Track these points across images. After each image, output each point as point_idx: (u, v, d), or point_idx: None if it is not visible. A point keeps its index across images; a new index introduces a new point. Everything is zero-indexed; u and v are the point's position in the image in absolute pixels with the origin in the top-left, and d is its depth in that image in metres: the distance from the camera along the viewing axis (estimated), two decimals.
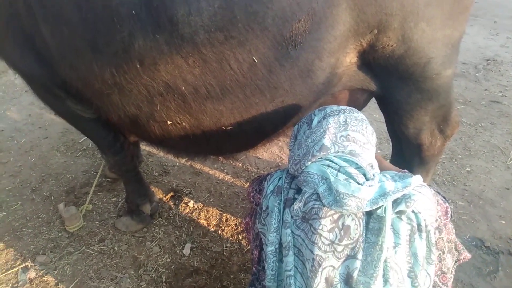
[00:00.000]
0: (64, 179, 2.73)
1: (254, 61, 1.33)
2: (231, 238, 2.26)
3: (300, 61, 1.38)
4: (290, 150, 1.41)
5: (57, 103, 1.78)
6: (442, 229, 1.35)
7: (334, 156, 1.17)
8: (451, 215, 1.36)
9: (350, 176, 1.12)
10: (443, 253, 1.35)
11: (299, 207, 1.17)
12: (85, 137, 2.89)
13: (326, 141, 1.20)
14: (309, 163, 1.19)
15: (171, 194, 2.58)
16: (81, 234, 2.28)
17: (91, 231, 2.31)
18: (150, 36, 1.25)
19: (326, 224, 1.11)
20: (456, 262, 1.43)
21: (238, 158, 2.92)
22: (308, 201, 1.16)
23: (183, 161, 2.90)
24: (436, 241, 1.33)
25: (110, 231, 2.31)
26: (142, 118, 1.54)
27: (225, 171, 2.83)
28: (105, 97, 1.51)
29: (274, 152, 3.07)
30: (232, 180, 2.75)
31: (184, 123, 1.51)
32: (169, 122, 1.52)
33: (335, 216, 1.12)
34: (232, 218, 2.40)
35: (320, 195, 1.13)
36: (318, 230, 1.11)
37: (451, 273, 1.39)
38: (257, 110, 1.50)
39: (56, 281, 2.02)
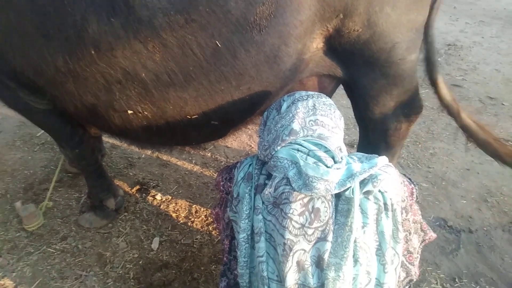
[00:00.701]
0: (21, 176, 2.57)
1: (218, 45, 1.28)
2: (201, 230, 2.22)
3: (266, 46, 1.34)
4: (259, 136, 1.40)
5: (8, 94, 1.65)
6: (408, 210, 1.38)
7: (303, 140, 1.17)
8: (417, 196, 1.39)
9: (319, 159, 1.12)
10: (409, 233, 1.38)
11: (270, 192, 1.16)
12: (43, 130, 2.74)
13: (295, 126, 1.19)
14: (279, 147, 1.19)
15: (137, 187, 2.50)
16: (41, 233, 2.16)
17: (52, 229, 2.19)
18: (105, 20, 1.17)
19: (296, 208, 1.11)
20: (422, 242, 1.46)
21: (207, 148, 2.86)
22: (278, 186, 1.15)
23: (149, 152, 2.81)
24: (402, 222, 1.36)
25: (73, 228, 2.20)
26: (100, 107, 1.45)
27: (193, 161, 2.77)
28: (60, 86, 1.42)
29: (243, 140, 3.03)
30: (201, 170, 2.69)
31: (146, 113, 1.44)
32: (129, 112, 1.44)
33: (305, 200, 1.12)
34: (202, 209, 2.35)
35: (290, 179, 1.12)
36: (289, 214, 1.11)
37: (417, 253, 1.42)
38: (223, 98, 1.45)
39: (14, 284, 1.90)
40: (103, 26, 1.18)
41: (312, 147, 1.14)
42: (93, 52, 1.23)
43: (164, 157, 2.78)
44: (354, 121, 3.24)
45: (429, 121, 3.37)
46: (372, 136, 2.01)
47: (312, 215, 1.10)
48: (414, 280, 1.38)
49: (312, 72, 1.64)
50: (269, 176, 1.23)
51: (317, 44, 1.50)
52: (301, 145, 1.16)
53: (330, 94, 1.95)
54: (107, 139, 2.89)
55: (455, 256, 2.14)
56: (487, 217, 2.41)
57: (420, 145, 3.06)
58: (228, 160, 2.80)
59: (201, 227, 2.24)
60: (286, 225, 1.11)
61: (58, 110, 1.65)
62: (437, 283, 1.99)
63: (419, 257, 1.44)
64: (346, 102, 3.52)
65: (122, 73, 1.31)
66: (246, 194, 1.23)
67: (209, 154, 2.84)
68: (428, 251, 2.16)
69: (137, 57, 1.26)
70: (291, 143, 1.18)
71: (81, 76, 1.32)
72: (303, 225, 1.10)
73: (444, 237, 2.27)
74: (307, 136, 1.18)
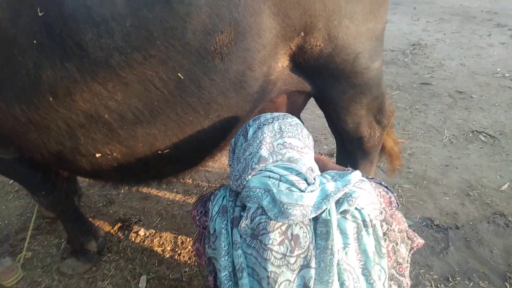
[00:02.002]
0: None
1: (181, 78, 1.26)
2: (189, 262, 2.15)
3: (231, 73, 1.34)
4: (230, 165, 1.37)
5: None
6: (390, 221, 1.37)
7: (273, 166, 1.15)
8: (396, 204, 1.38)
9: (291, 184, 1.10)
10: (396, 244, 1.36)
11: (246, 224, 1.13)
12: None
13: (263, 152, 1.17)
14: (250, 177, 1.16)
15: (119, 225, 2.42)
16: (21, 287, 2.06)
17: (33, 281, 2.09)
18: (59, 65, 1.14)
19: (275, 237, 1.08)
20: (410, 250, 1.45)
21: (186, 175, 2.81)
22: (254, 217, 1.12)
23: (127, 187, 2.74)
24: (387, 233, 1.34)
25: (55, 277, 2.11)
26: (67, 154, 1.40)
27: (175, 190, 2.71)
28: (22, 136, 1.37)
29: (224, 162, 3.00)
30: (184, 199, 2.64)
31: (115, 154, 1.40)
32: (97, 155, 1.40)
33: (283, 228, 1.09)
34: (188, 240, 2.30)
35: (265, 208, 1.10)
36: (269, 245, 1.08)
37: (407, 263, 1.41)
38: (193, 129, 1.43)
39: None
40: (57, 72, 1.15)
41: (283, 172, 1.12)
42: (50, 99, 1.19)
43: (144, 190, 2.72)
44: None
45: (403, 122, 3.42)
46: (349, 145, 2.03)
47: (292, 243, 1.07)
48: None
49: (281, 90, 1.64)
50: (244, 207, 1.19)
51: (282, 63, 1.51)
52: (271, 171, 1.14)
53: (301, 109, 1.96)
54: (83, 178, 2.81)
55: (446, 255, 2.15)
56: (471, 211, 2.43)
57: None
58: (210, 184, 2.76)
59: (189, 258, 2.18)
60: (268, 257, 1.07)
61: (26, 158, 1.59)
62: (431, 285, 1.99)
63: (409, 266, 1.43)
64: (322, 112, 3.55)
65: (84, 117, 1.27)
66: (223, 230, 1.19)
67: (190, 181, 2.79)
68: (419, 253, 2.15)
69: (97, 98, 1.23)
70: (261, 170, 1.15)
71: (42, 124, 1.27)
72: (284, 255, 1.07)
73: (432, 237, 2.27)
74: (277, 161, 1.16)
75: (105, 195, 2.70)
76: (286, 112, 1.44)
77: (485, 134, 3.17)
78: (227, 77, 1.34)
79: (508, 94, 3.77)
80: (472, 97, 3.76)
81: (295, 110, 1.91)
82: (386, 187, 1.40)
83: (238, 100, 1.43)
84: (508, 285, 1.95)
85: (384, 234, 1.34)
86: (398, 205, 1.38)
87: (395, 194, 1.40)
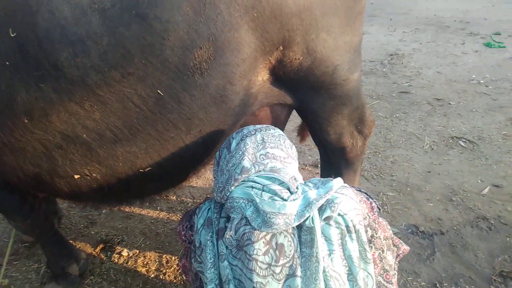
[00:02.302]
0: None
1: (160, 94, 1.25)
2: (174, 281, 2.10)
3: (211, 88, 1.33)
4: (214, 178, 1.36)
5: None
6: (375, 227, 1.37)
7: (256, 176, 1.15)
8: (378, 208, 1.39)
9: (274, 193, 1.10)
10: (383, 251, 1.36)
11: (231, 236, 1.13)
12: None
13: (246, 163, 1.18)
14: (233, 188, 1.16)
15: (101, 246, 2.35)
16: None
17: None
18: (34, 86, 1.11)
19: (260, 247, 1.08)
20: (396, 257, 1.45)
21: (170, 192, 2.77)
22: (238, 228, 1.12)
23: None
24: (373, 241, 1.35)
25: None
26: (44, 176, 1.36)
27: (158, 208, 2.66)
28: None
29: (208, 177, 2.97)
30: (168, 216, 2.59)
31: (94, 174, 1.37)
32: (76, 176, 1.36)
33: (268, 237, 1.09)
34: (174, 258, 2.25)
35: (249, 218, 1.10)
36: (254, 256, 1.07)
37: (394, 270, 1.41)
38: (175, 145, 1.41)
39: None
40: (33, 93, 1.12)
41: (266, 182, 1.13)
42: (26, 120, 1.16)
43: (127, 209, 2.66)
44: None
45: (384, 130, 3.47)
46: (332, 156, 2.04)
47: (277, 252, 1.07)
48: None
49: (263, 103, 1.65)
50: (229, 219, 1.19)
51: (262, 76, 1.52)
52: (254, 181, 1.14)
53: (284, 121, 1.97)
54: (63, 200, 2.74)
55: (432, 261, 2.16)
56: (455, 216, 2.46)
57: (380, 155, 3.13)
58: (194, 200, 2.72)
59: (174, 277, 2.12)
60: (253, 268, 1.07)
61: (2, 181, 1.54)
62: None
63: (396, 273, 1.43)
64: None
65: (61, 138, 1.24)
66: (208, 242, 1.18)
67: (174, 198, 2.75)
68: (406, 261, 2.16)
69: (75, 118, 1.21)
70: (244, 181, 1.16)
71: (17, 147, 1.24)
72: (269, 264, 1.06)
73: (418, 244, 2.28)
74: (260, 171, 1.16)
75: (86, 215, 2.63)
76: (269, 125, 1.44)
77: (464, 140, 3.24)
78: (208, 92, 1.33)
79: (484, 99, 3.88)
80: (450, 104, 3.85)
81: (279, 123, 1.91)
82: (366, 193, 1.41)
83: (219, 114, 1.43)
84: None
85: (370, 241, 1.35)
86: (380, 210, 1.39)
87: (376, 201, 1.41)
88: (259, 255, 1.07)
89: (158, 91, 1.24)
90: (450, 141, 3.25)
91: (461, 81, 4.32)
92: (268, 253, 1.07)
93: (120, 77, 1.17)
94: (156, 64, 1.20)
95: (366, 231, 1.29)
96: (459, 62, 4.82)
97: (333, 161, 2.06)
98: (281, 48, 1.42)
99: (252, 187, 1.13)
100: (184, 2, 1.16)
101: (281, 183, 1.13)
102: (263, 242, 1.08)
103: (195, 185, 2.87)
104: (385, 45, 5.54)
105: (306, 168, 3.08)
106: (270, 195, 1.10)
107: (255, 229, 1.08)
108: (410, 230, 2.38)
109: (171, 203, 2.70)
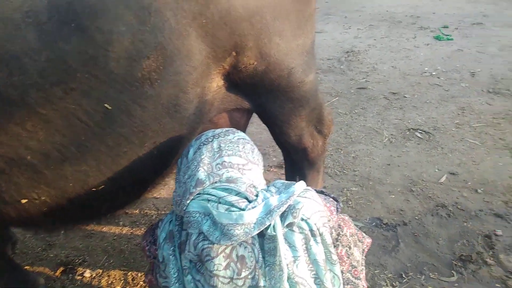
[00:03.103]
0: None
1: (108, 108, 1.20)
2: None
3: (163, 98, 1.29)
4: (176, 186, 1.33)
5: None
6: (341, 225, 1.39)
7: (211, 188, 1.12)
8: (336, 209, 1.40)
9: (231, 204, 1.08)
10: (350, 248, 1.38)
11: (191, 252, 1.09)
12: None
13: (201, 174, 1.14)
14: (188, 201, 1.12)
15: (61, 268, 2.23)
16: None
17: None
18: None
19: (220, 262, 1.05)
20: (363, 252, 1.47)
21: (131, 206, 2.68)
22: (196, 243, 1.09)
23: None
24: (340, 239, 1.36)
25: None
26: None
27: (121, 223, 2.57)
28: None
29: (172, 187, 2.90)
30: (131, 231, 2.50)
31: (43, 197, 1.29)
32: (23, 201, 1.28)
33: (227, 250, 1.06)
34: (140, 275, 2.17)
35: (206, 233, 1.07)
36: (214, 272, 1.05)
37: (361, 265, 1.43)
38: (129, 160, 1.35)
39: None
40: None
41: (222, 194, 1.10)
42: None
43: (87, 227, 2.54)
44: None
45: (345, 127, 3.54)
46: (294, 157, 2.05)
47: (239, 264, 1.05)
48: None
49: (220, 109, 1.62)
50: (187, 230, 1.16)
51: (217, 83, 1.49)
52: (210, 194, 1.11)
53: (244, 126, 1.96)
54: None
55: (397, 252, 2.22)
56: (416, 206, 2.55)
57: (342, 151, 3.19)
58: (159, 212, 2.65)
59: None
60: (215, 284, 1.04)
61: None
62: (386, 284, 2.03)
63: (363, 268, 1.45)
64: None
65: (3, 161, 1.16)
66: (171, 256, 1.15)
67: (136, 211, 2.66)
68: (372, 254, 2.20)
69: (17, 140, 1.13)
70: (200, 194, 1.12)
71: None
72: (231, 278, 1.04)
73: (383, 236, 2.34)
74: (215, 182, 1.13)
75: (44, 238, 2.49)
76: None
77: (420, 131, 3.37)
78: (160, 103, 1.29)
79: (437, 91, 4.05)
80: (405, 97, 3.99)
81: (239, 127, 1.90)
82: (326, 195, 1.42)
83: (174, 124, 1.39)
84: (455, 273, 2.05)
85: (337, 240, 1.36)
86: (338, 210, 1.41)
87: (336, 200, 1.42)
88: (220, 270, 1.04)
89: (106, 105, 1.18)
90: (407, 133, 3.36)
91: (415, 74, 4.48)
92: (229, 267, 1.05)
93: (63, 93, 1.11)
94: (101, 77, 1.14)
95: (331, 233, 1.30)
96: (412, 55, 5.00)
97: (296, 162, 2.08)
98: (234, 53, 1.40)
99: (208, 200, 1.10)
100: (127, 12, 1.12)
101: (238, 193, 1.11)
102: (223, 256, 1.06)
103: (158, 196, 2.80)
104: (341, 43, 5.67)
105: (272, 169, 3.09)
106: (227, 206, 1.07)
107: (213, 244, 1.05)
108: (374, 223, 2.43)
109: (134, 217, 2.62)
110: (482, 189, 2.64)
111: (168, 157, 1.51)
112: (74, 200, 1.34)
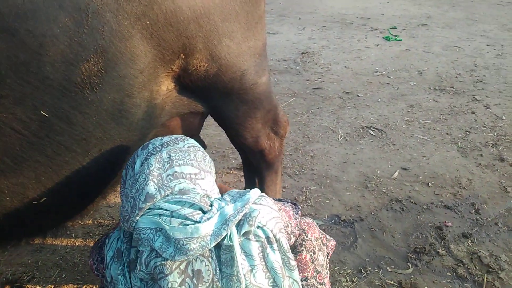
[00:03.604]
0: None
1: (45, 116, 1.12)
2: None
3: (106, 103, 1.23)
4: (121, 200, 1.25)
5: None
6: (306, 230, 1.38)
7: (163, 202, 1.07)
8: (296, 213, 1.40)
9: (185, 218, 1.03)
10: (314, 253, 1.38)
11: (142, 270, 1.04)
12: None
13: (150, 188, 1.08)
14: (138, 218, 1.06)
15: (8, 287, 2.08)
16: None
17: None
18: None
19: (175, 279, 1.00)
20: (327, 256, 1.48)
21: (84, 216, 2.55)
22: (148, 261, 1.03)
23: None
24: (304, 244, 1.36)
25: None
26: None
27: (73, 235, 2.43)
28: None
29: None
30: (85, 243, 2.38)
31: None
32: None
33: (182, 266, 1.02)
34: None
35: (158, 250, 1.01)
36: None
37: (326, 269, 1.43)
38: (72, 170, 1.27)
39: None
40: None
41: (175, 207, 1.05)
42: None
43: (37, 241, 2.38)
44: None
45: (302, 126, 3.58)
46: (252, 159, 2.04)
47: (195, 280, 1.01)
48: None
49: (172, 113, 1.57)
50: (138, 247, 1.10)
51: (167, 86, 1.45)
52: (161, 208, 1.05)
53: (198, 129, 1.92)
54: None
55: (356, 248, 2.26)
56: (371, 201, 2.62)
57: (300, 151, 3.22)
58: (114, 221, 2.54)
59: None
60: None
61: None
62: (346, 280, 2.07)
63: (328, 272, 1.45)
64: None
65: None
66: (120, 276, 1.09)
67: (90, 221, 2.54)
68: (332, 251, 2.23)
69: None
70: (150, 209, 1.07)
71: None
72: None
73: (341, 232, 2.38)
74: (167, 195, 1.08)
75: None
76: (182, 134, 1.37)
77: (373, 129, 3.48)
78: (103, 108, 1.22)
79: (388, 89, 4.21)
80: (358, 96, 4.11)
81: (193, 131, 1.86)
82: (283, 201, 1.42)
83: (120, 130, 1.32)
84: (410, 265, 2.13)
85: (301, 245, 1.35)
86: (298, 214, 1.41)
87: (295, 205, 1.42)
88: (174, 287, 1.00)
89: (42, 112, 1.11)
90: (361, 131, 3.46)
91: (366, 73, 4.64)
92: (185, 283, 1.01)
93: None
94: (35, 83, 1.06)
95: (290, 238, 1.29)
96: (363, 56, 5.17)
97: (254, 164, 2.07)
98: (182, 56, 1.36)
99: (160, 215, 1.05)
100: (62, 13, 1.04)
101: (192, 205, 1.07)
102: (178, 272, 1.01)
103: (113, 205, 2.68)
104: (296, 44, 5.75)
105: (231, 172, 3.06)
106: (181, 220, 1.03)
107: (167, 260, 1.00)
108: (333, 221, 2.48)
109: (88, 228, 2.49)
110: (432, 182, 2.77)
111: (116, 165, 1.44)
112: (13, 215, 1.25)
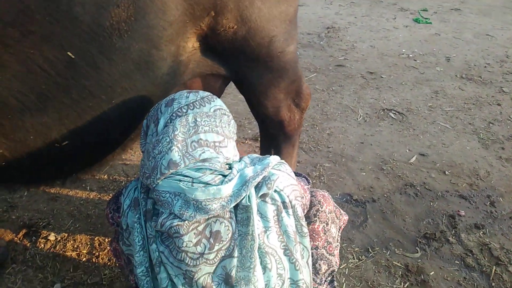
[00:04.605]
0: None
1: (71, 57, 1.11)
2: (108, 263, 1.99)
3: (133, 52, 1.21)
4: (142, 152, 1.26)
5: None
6: (321, 201, 1.39)
7: (185, 169, 1.06)
8: (307, 183, 1.41)
9: (206, 183, 1.04)
10: (327, 224, 1.39)
11: (159, 228, 1.06)
12: None
13: (174, 155, 1.06)
14: (159, 181, 1.07)
15: (24, 231, 2.15)
16: None
17: None
18: None
19: (190, 239, 1.02)
20: (339, 229, 1.49)
21: (101, 170, 2.59)
22: (165, 222, 1.04)
23: (32, 188, 2.45)
24: (318, 214, 1.37)
25: None
26: None
27: (88, 188, 2.48)
28: None
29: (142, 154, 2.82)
30: (99, 196, 2.43)
31: (1, 150, 1.20)
32: None
33: (200, 228, 1.04)
34: (107, 240, 2.12)
35: (178, 214, 1.02)
36: (183, 248, 1.02)
37: (336, 242, 1.45)
38: (95, 116, 1.27)
39: None
40: None
41: (196, 174, 1.05)
42: None
43: (53, 190, 2.45)
44: None
45: (321, 103, 3.53)
46: (270, 130, 2.02)
47: (212, 240, 1.03)
48: (336, 269, 1.40)
49: (195, 73, 1.55)
50: (157, 206, 1.11)
51: (193, 43, 1.42)
52: (183, 175, 1.06)
53: (219, 94, 1.89)
54: None
55: (365, 228, 2.27)
56: (385, 184, 2.60)
57: (317, 127, 3.19)
58: (128, 178, 2.58)
59: (108, 260, 2.01)
60: (182, 258, 1.02)
61: None
62: (353, 257, 2.08)
63: (339, 245, 1.47)
64: None
65: None
66: (135, 224, 1.11)
67: (105, 176, 2.58)
68: None
69: None
70: (172, 174, 1.07)
71: None
72: (202, 254, 1.02)
73: (352, 211, 2.38)
74: (189, 164, 1.07)
75: (5, 199, 2.37)
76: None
77: (394, 112, 3.41)
78: (130, 57, 1.20)
79: (413, 73, 4.10)
80: (382, 77, 4.01)
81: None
82: (297, 174, 1.42)
83: (145, 83, 1.31)
84: (418, 250, 2.13)
85: (315, 215, 1.36)
86: (309, 183, 1.42)
87: (306, 180, 1.43)
88: (189, 247, 1.02)
89: (69, 53, 1.10)
90: (382, 113, 3.40)
91: (392, 55, 4.51)
92: (200, 243, 1.03)
93: (20, 35, 1.02)
94: (64, 22, 1.05)
95: (304, 209, 1.30)
96: (391, 36, 5.01)
97: (271, 135, 2.05)
98: (212, 13, 1.32)
99: (181, 181, 1.05)
100: None
101: (213, 171, 1.07)
102: (194, 233, 1.03)
103: (128, 162, 2.72)
104: (322, 18, 5.59)
105: (247, 142, 3.05)
106: (203, 185, 1.04)
107: (184, 221, 1.02)
108: (344, 199, 2.47)
109: (102, 183, 2.53)
110: (449, 171, 2.72)
111: (138, 118, 1.44)
112: (36, 156, 1.26)
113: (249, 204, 1.06)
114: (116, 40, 1.15)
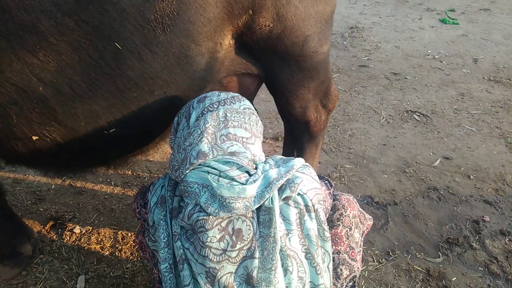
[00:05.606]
0: None
1: (118, 48, 1.16)
2: (131, 257, 2.04)
3: (174, 46, 1.25)
4: (171, 147, 1.29)
5: None
6: (345, 206, 1.38)
7: (213, 161, 1.09)
8: (330, 186, 1.40)
9: (232, 179, 1.06)
10: (350, 229, 1.38)
11: (184, 221, 1.08)
12: None
13: (204, 146, 1.11)
14: (188, 172, 1.10)
15: (51, 223, 2.22)
16: None
17: None
18: None
19: (214, 235, 1.04)
20: (362, 234, 1.48)
21: (126, 166, 2.65)
22: (191, 214, 1.07)
23: (59, 181, 2.52)
24: (341, 219, 1.36)
25: None
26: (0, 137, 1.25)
27: (112, 183, 2.54)
28: None
29: (166, 150, 2.87)
30: (123, 191, 2.48)
31: (54, 135, 1.27)
32: (35, 138, 1.25)
33: (223, 224, 1.05)
34: (130, 234, 2.17)
35: (203, 206, 1.05)
36: (207, 243, 1.04)
37: (359, 247, 1.44)
38: (138, 106, 1.33)
39: None
40: None
41: (224, 167, 1.07)
42: None
43: (78, 184, 2.52)
44: (276, 114, 3.26)
45: (343, 104, 3.50)
46: (296, 129, 2.03)
47: (234, 237, 1.04)
48: (358, 275, 1.39)
49: (229, 70, 1.57)
50: (183, 198, 1.14)
51: (229, 41, 1.44)
52: (211, 166, 1.08)
53: (253, 93, 1.90)
54: (7, 174, 2.54)
55: (386, 231, 2.24)
56: (407, 187, 2.56)
57: (339, 128, 3.17)
58: (151, 175, 2.63)
59: (131, 254, 2.06)
60: (206, 254, 1.04)
61: None
62: (373, 260, 2.07)
63: (361, 250, 1.46)
64: (265, 95, 3.52)
65: (16, 92, 1.13)
66: (161, 221, 1.14)
67: (129, 172, 2.63)
68: None
69: (29, 69, 1.10)
70: (200, 165, 1.09)
71: None
72: (225, 250, 1.04)
73: (373, 214, 2.36)
74: (218, 155, 1.10)
75: (34, 191, 2.46)
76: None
77: (418, 114, 3.35)
78: (171, 51, 1.24)
79: (438, 75, 4.01)
80: (406, 78, 3.95)
81: (248, 95, 1.85)
82: (321, 178, 1.42)
83: (184, 76, 1.35)
84: (440, 254, 2.09)
85: (338, 219, 1.36)
86: (332, 186, 1.42)
87: (329, 183, 1.42)
88: (213, 242, 1.04)
89: (116, 44, 1.15)
90: (405, 114, 3.35)
91: (417, 56, 4.43)
92: (224, 240, 1.04)
93: (74, 25, 1.08)
94: (112, 13, 1.10)
95: (327, 213, 1.30)
96: (416, 37, 4.92)
97: (296, 134, 2.06)
98: (250, 12, 1.34)
99: (208, 172, 1.08)
100: None
101: (240, 167, 1.09)
102: (218, 229, 1.05)
103: (152, 159, 2.77)
104: (346, 18, 5.54)
105: (267, 141, 3.06)
106: (228, 180, 1.06)
107: (209, 215, 1.04)
108: (365, 201, 2.45)
109: (126, 178, 2.59)
110: (474, 175, 2.66)
111: (176, 111, 1.49)
112: (85, 142, 1.32)
113: (271, 206, 1.07)
114: (159, 33, 1.19)
